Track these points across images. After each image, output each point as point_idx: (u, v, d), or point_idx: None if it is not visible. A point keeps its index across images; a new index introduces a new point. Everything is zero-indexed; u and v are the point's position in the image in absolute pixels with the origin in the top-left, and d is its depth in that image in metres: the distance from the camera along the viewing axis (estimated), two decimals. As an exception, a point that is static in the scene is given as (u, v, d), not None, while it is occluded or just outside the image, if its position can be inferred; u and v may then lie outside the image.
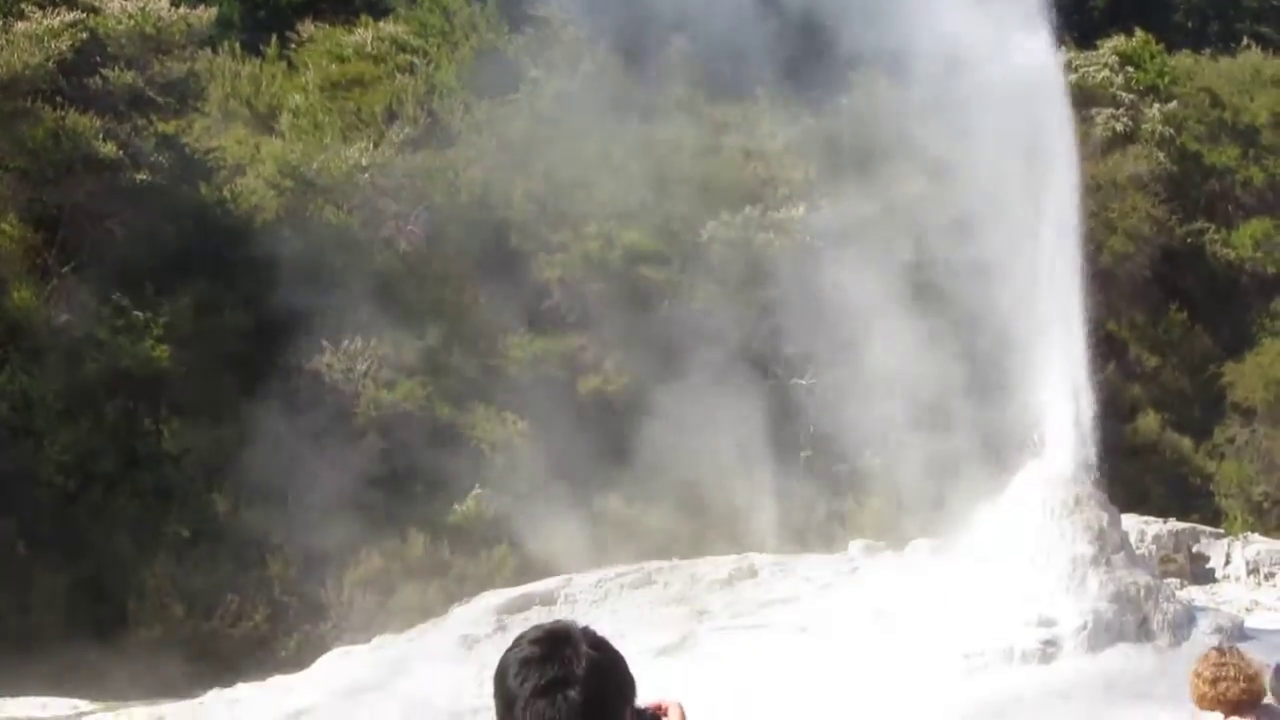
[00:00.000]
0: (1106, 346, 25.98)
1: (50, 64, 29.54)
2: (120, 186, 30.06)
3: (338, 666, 21.72)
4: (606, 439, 31.23)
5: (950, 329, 23.10)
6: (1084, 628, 17.48)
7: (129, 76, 31.68)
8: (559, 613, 22.61)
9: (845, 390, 28.46)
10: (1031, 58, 21.47)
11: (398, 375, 32.77)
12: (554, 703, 3.73)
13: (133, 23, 31.49)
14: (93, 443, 28.47)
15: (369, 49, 38.82)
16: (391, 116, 36.90)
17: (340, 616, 28.20)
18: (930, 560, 21.11)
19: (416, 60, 38.64)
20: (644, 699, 3.98)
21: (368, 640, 23.51)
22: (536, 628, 3.93)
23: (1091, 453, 19.59)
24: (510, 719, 3.79)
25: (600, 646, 3.85)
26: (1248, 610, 21.13)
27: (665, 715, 4.00)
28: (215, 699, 21.44)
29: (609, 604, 22.76)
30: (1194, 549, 23.78)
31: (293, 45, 40.55)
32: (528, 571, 27.84)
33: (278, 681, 22.04)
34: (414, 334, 33.47)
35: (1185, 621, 18.20)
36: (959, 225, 21.85)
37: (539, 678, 3.76)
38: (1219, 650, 10.09)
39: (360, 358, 32.17)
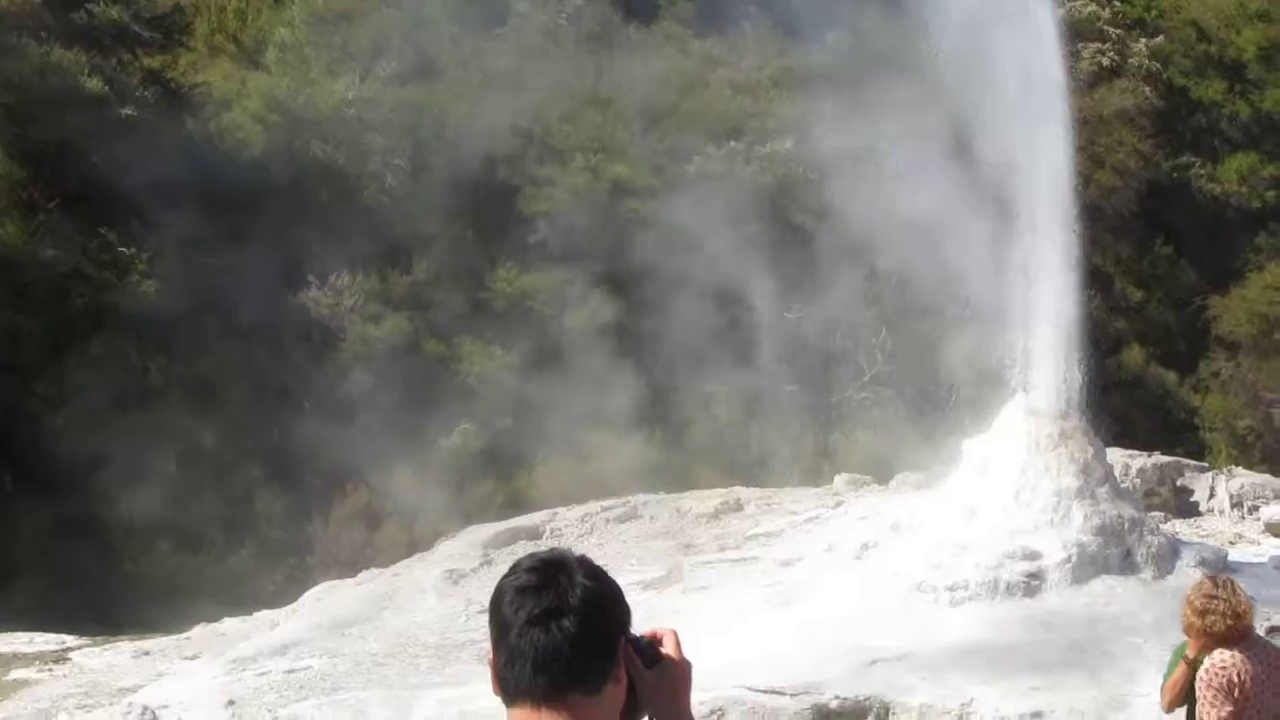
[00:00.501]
0: (1092, 281, 25.88)
1: (36, -1, 29.39)
2: (106, 121, 29.94)
3: (324, 601, 21.69)
4: (594, 373, 31.19)
5: (937, 263, 23.02)
6: (1068, 560, 17.43)
7: (115, 11, 31.54)
8: (544, 546, 22.61)
9: (832, 324, 28.39)
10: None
11: (385, 310, 32.75)
12: (549, 631, 3.67)
13: (117, -44, 31.30)
14: (79, 378, 28.40)
15: (356, -18, 38.54)
16: (378, 50, 36.70)
17: (326, 551, 28.24)
18: (915, 494, 21.09)
19: (403, -7, 38.41)
20: (637, 629, 3.94)
21: (354, 575, 23.49)
22: (532, 556, 3.87)
23: (1077, 387, 19.51)
24: (504, 646, 3.74)
25: (596, 576, 3.80)
26: (1231, 543, 21.09)
27: (661, 643, 3.95)
28: (201, 633, 21.42)
29: (594, 538, 22.72)
30: (1178, 482, 23.72)
31: (279, -21, 40.24)
32: (514, 506, 27.83)
33: (264, 616, 22.02)
34: (401, 269, 33.41)
35: (1169, 554, 18.16)
36: (947, 158, 21.74)
37: (534, 606, 3.71)
38: (1212, 581, 10.13)
39: (347, 292, 32.13)
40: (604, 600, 3.78)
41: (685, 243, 31.08)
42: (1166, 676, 10.64)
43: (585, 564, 3.84)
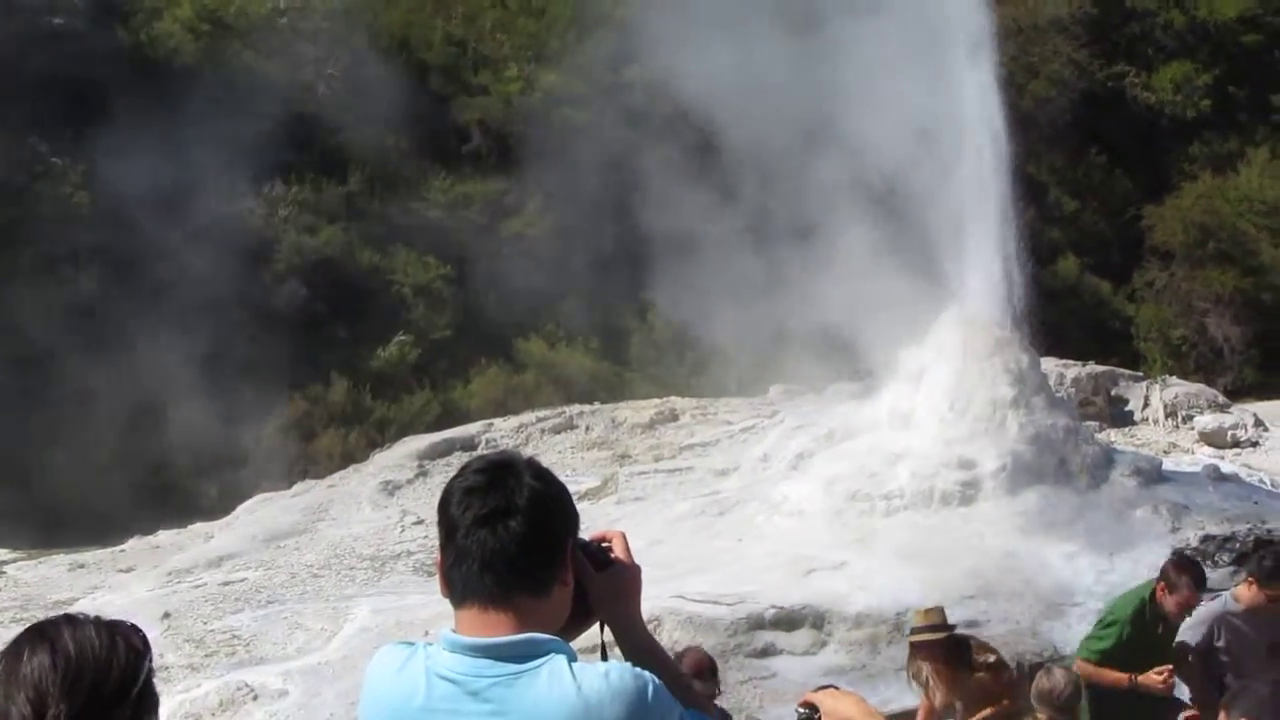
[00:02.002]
0: (1026, 190, 25.86)
1: (-38, -95, 29.04)
2: (37, 30, 29.57)
3: (258, 513, 21.61)
4: (528, 283, 31.10)
5: (873, 173, 22.96)
6: (1003, 470, 17.47)
7: (44, -81, 31.16)
8: (480, 458, 22.58)
9: (764, 234, 28.29)
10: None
11: (319, 220, 32.53)
12: (495, 531, 3.63)
13: None
14: (9, 291, 28.15)
15: (286, -113, 38.09)
16: (310, -41, 36.34)
17: (261, 463, 28.12)
18: (850, 404, 21.10)
19: (335, -101, 37.99)
20: (583, 534, 3.91)
21: (289, 487, 23.43)
22: (481, 457, 3.82)
23: (1012, 296, 19.54)
24: (452, 547, 3.68)
25: (543, 477, 3.75)
26: (1165, 452, 21.18)
27: (611, 547, 3.92)
28: (136, 545, 21.33)
29: (530, 448, 22.67)
30: (1113, 392, 23.80)
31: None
32: (449, 417, 27.78)
33: (199, 528, 21.93)
34: (335, 179, 33.19)
35: (1104, 463, 18.22)
36: (884, 68, 21.62)
37: (480, 506, 3.65)
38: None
39: (281, 203, 31.90)
40: (551, 502, 3.74)
41: (621, 149, 30.90)
42: (1098, 639, 10.79)
43: (533, 466, 3.79)
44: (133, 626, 3.56)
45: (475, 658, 3.65)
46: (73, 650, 3.40)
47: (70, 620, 3.50)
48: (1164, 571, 10.63)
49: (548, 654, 3.60)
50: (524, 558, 3.66)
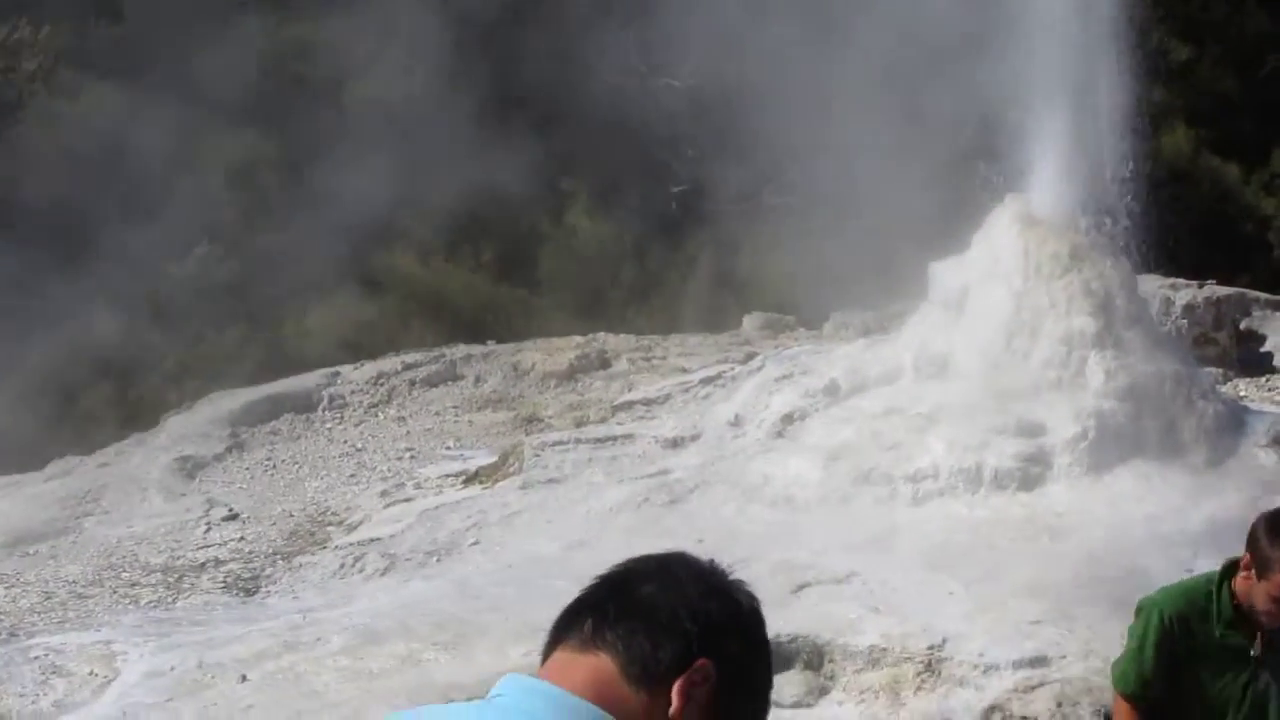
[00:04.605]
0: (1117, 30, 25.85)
1: None
2: None
3: (-5, 505, 21.61)
4: (391, 164, 31.10)
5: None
6: (1083, 437, 17.49)
7: None
8: (319, 422, 22.57)
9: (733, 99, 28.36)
10: None
11: (83, 77, 32.46)
12: None
13: None
14: None
15: None
16: None
17: (-1, 431, 28.08)
18: (860, 343, 21.13)
19: None
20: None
21: (40, 467, 23.39)
22: None
23: (1096, 185, 19.53)
24: None
25: None
26: (1321, 412, 21.31)
27: None
28: None
29: (394, 408, 22.73)
30: (1243, 325, 23.93)
31: None
32: (278, 363, 27.72)
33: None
34: (108, 18, 33.09)
35: (1231, 428, 18.24)
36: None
37: None
38: None
39: (28, 52, 31.81)
40: None
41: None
42: (1130, 652, 8.62)
43: None
44: None
45: None
46: None
47: None
48: (1251, 538, 8.35)
49: None
50: None
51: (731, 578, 4.03)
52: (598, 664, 3.90)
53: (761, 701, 4.10)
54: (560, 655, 3.95)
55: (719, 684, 3.92)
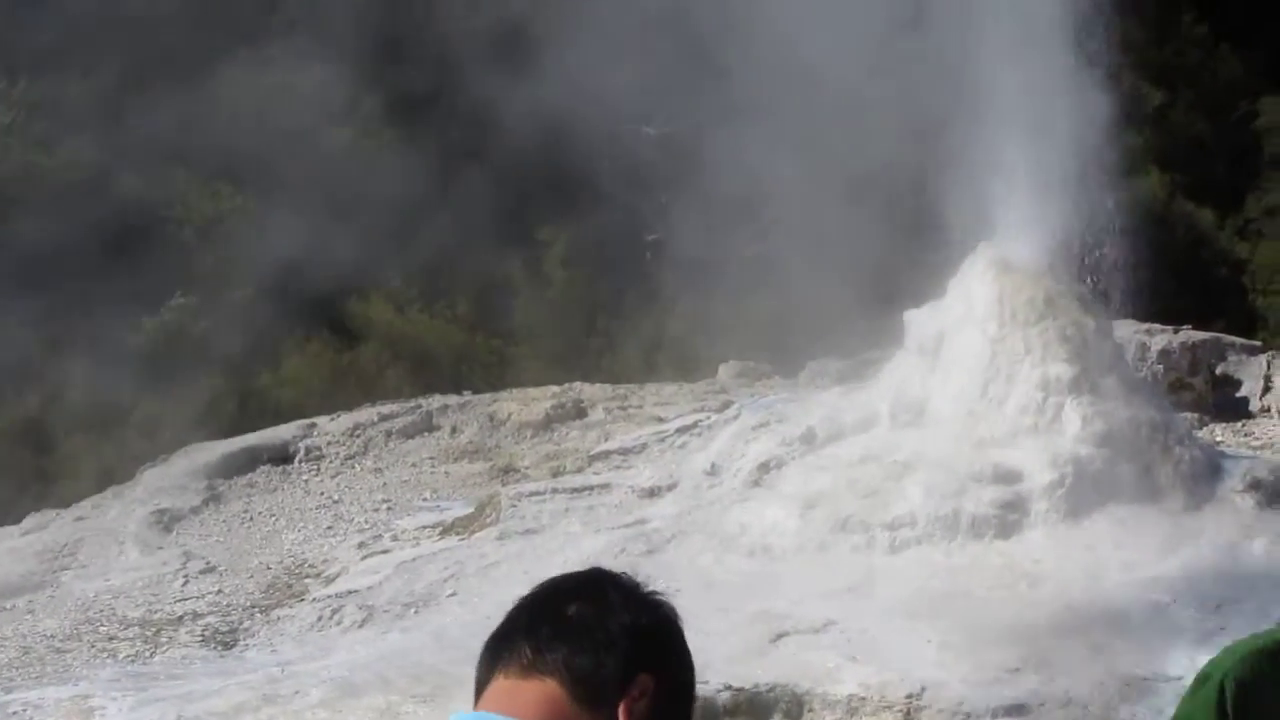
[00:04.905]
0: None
1: None
2: None
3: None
4: (371, 215, 31.10)
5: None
6: (1060, 484, 17.53)
7: None
8: (296, 474, 22.56)
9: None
10: None
11: (60, 129, 32.48)
12: None
13: None
14: None
15: None
16: None
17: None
18: (836, 390, 21.17)
19: None
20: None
21: (16, 521, 23.36)
22: None
23: (1071, 231, 19.56)
24: None
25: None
26: (1296, 457, 21.32)
27: None
28: None
29: (370, 459, 22.73)
30: (1219, 369, 23.98)
31: None
32: (256, 413, 27.73)
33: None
34: (81, 71, 33.14)
35: (1207, 474, 18.27)
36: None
37: None
38: None
39: (3, 103, 31.87)
40: None
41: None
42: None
43: None
44: None
45: None
46: None
47: None
48: None
49: None
50: None
51: (647, 588, 4.12)
52: (544, 689, 3.93)
53: (690, 705, 4.14)
54: (501, 683, 3.98)
55: (656, 695, 3.97)
